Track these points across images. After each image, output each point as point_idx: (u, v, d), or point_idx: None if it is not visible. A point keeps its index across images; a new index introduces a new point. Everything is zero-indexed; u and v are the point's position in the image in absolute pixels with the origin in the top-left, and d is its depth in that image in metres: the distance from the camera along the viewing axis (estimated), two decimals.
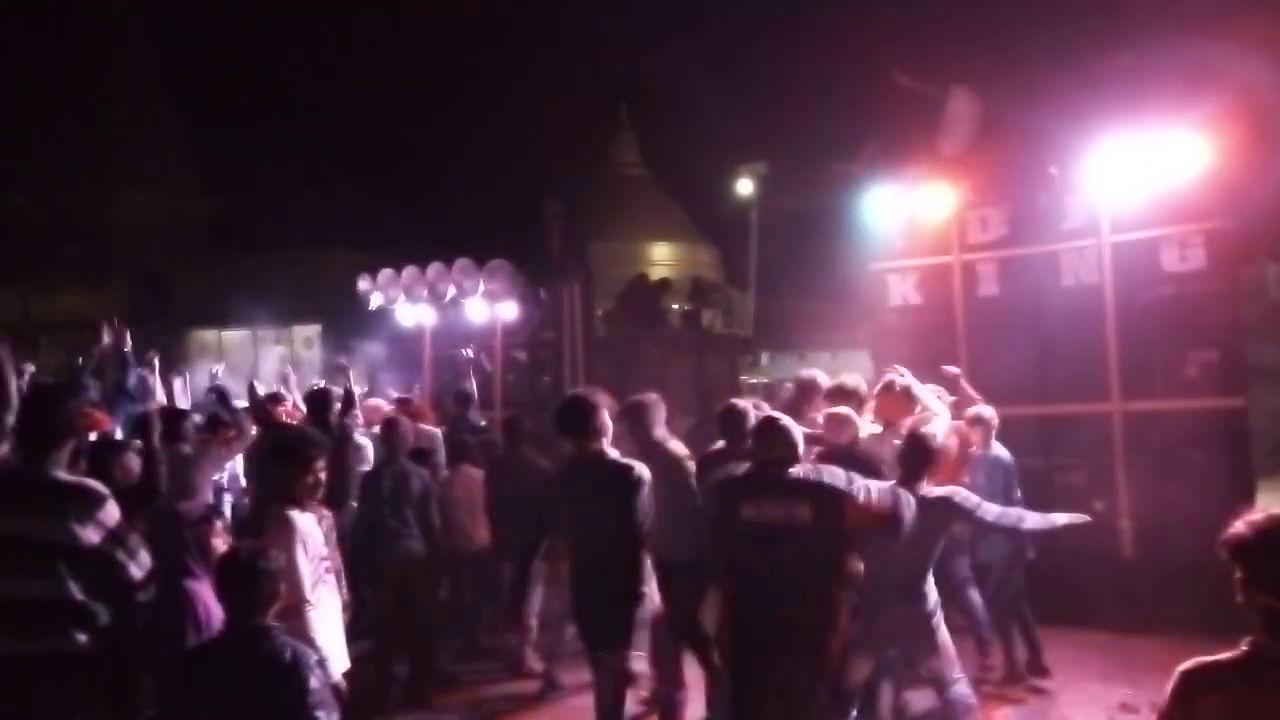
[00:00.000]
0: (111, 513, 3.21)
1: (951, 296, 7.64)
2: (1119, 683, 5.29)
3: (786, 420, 3.83)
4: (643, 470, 3.82)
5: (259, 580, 2.73)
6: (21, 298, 17.49)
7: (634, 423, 4.73)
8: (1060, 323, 7.04)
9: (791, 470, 3.63)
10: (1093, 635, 5.92)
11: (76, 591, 3.10)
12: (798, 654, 3.54)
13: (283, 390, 7.40)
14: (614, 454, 3.97)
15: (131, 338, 6.91)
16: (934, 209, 7.60)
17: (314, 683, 2.69)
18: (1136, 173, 6.62)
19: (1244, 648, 2.07)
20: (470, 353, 8.93)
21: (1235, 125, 6.39)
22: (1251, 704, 2.02)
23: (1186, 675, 2.11)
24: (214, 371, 7.77)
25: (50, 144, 18.50)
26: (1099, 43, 7.43)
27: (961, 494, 4.03)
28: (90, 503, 3.18)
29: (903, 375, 5.07)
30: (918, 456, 3.99)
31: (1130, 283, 6.84)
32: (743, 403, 4.76)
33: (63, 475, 3.23)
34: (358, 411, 6.68)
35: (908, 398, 4.86)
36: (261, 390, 6.72)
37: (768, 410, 4.55)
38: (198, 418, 6.25)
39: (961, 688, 3.98)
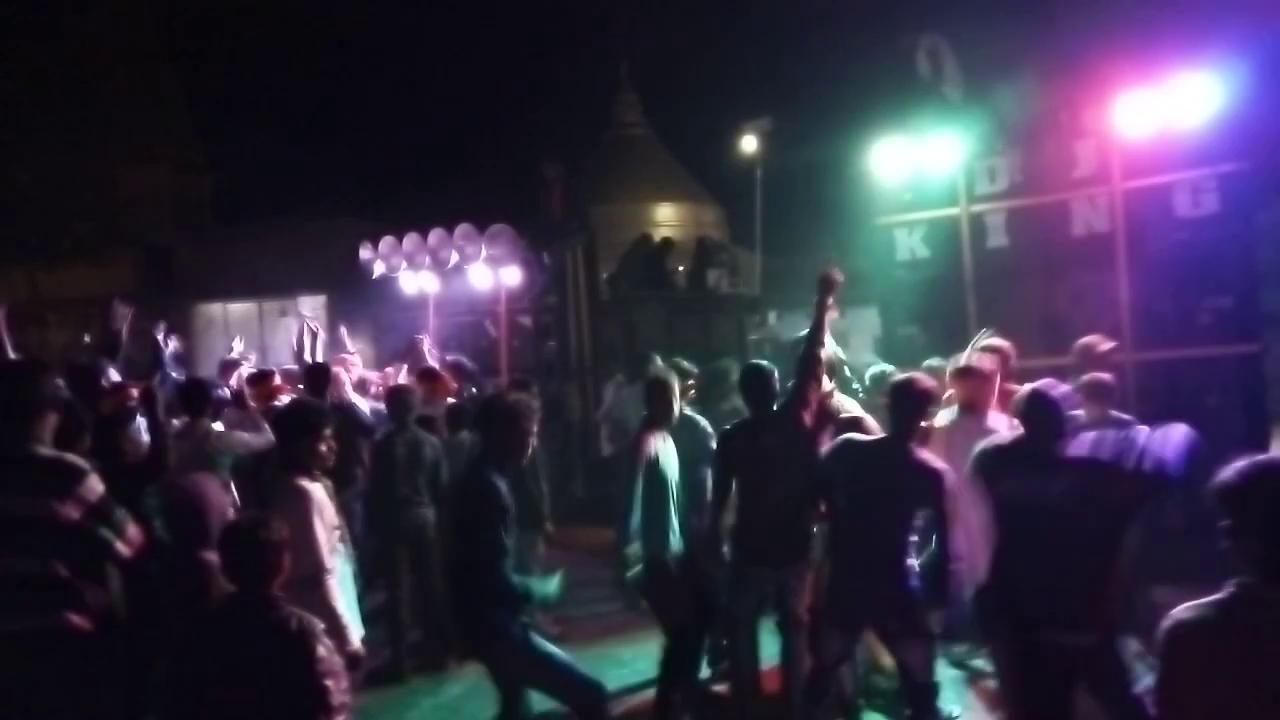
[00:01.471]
0: (92, 488, 3.15)
1: (960, 249, 7.55)
2: (1131, 632, 5.26)
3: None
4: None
5: (260, 551, 2.71)
6: (29, 276, 17.50)
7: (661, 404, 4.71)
8: (1071, 273, 6.95)
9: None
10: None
11: (62, 569, 3.07)
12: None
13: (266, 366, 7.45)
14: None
15: (137, 313, 6.92)
16: (940, 160, 7.49)
17: (321, 651, 2.68)
18: (1148, 117, 6.49)
19: (1230, 589, 2.09)
20: (425, 337, 8.48)
21: (1248, 66, 6.23)
22: (1235, 643, 2.04)
23: (1174, 621, 2.14)
24: (235, 352, 7.78)
25: (54, 122, 18.44)
26: None
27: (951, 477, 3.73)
28: (67, 478, 3.12)
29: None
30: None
31: (1142, 230, 6.74)
32: (768, 365, 4.53)
33: (41, 450, 3.19)
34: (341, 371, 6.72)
35: (986, 379, 4.66)
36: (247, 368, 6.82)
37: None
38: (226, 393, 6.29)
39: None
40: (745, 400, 4.51)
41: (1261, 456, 2.14)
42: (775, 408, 4.39)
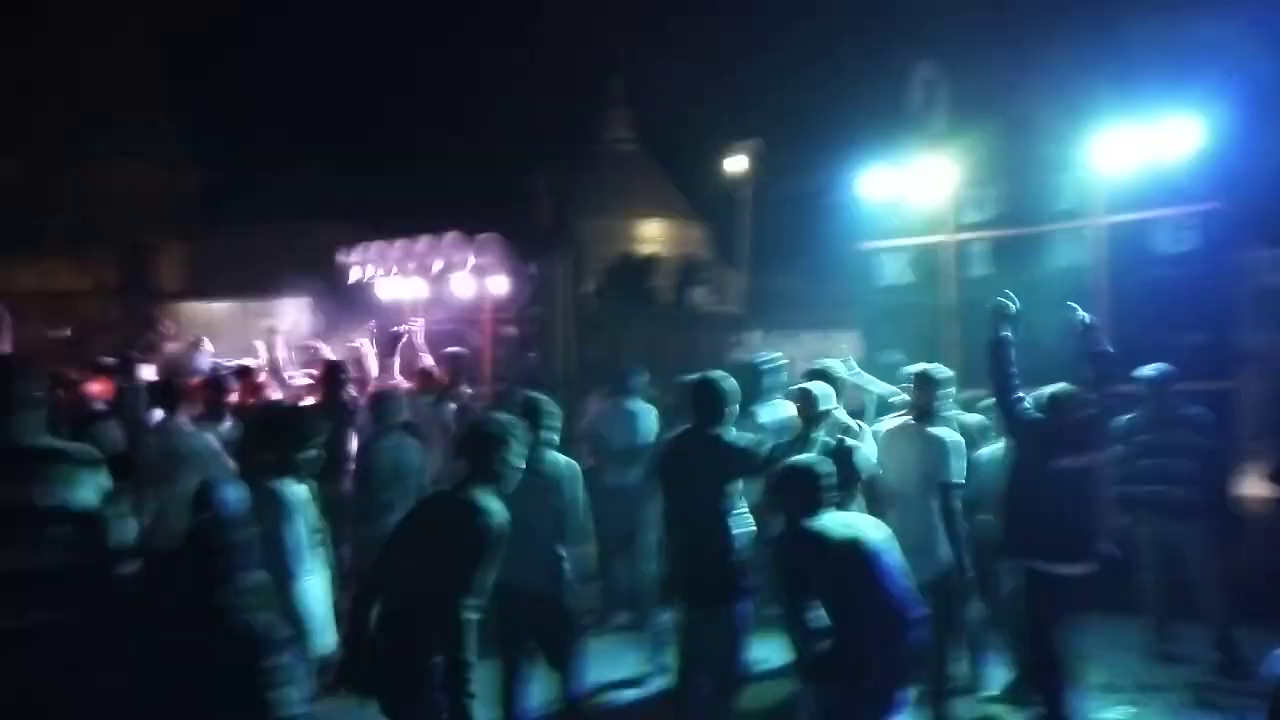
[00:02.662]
0: (101, 480, 3.15)
1: (943, 276, 7.62)
2: (1100, 663, 5.30)
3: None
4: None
5: (219, 554, 2.67)
6: (7, 267, 17.33)
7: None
8: (1052, 304, 7.02)
9: None
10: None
11: (63, 560, 3.04)
12: None
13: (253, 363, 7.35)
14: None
15: (118, 310, 6.88)
16: (927, 188, 7.57)
17: (277, 660, 2.65)
18: (1131, 154, 6.59)
19: None
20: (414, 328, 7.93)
21: (1230, 107, 6.35)
22: None
23: None
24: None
25: (39, 114, 18.28)
26: (1095, 21, 7.37)
27: None
28: (81, 467, 3.11)
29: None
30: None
31: (1122, 265, 6.83)
32: (719, 378, 4.22)
33: (50, 440, 3.17)
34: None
35: (939, 388, 4.67)
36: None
37: None
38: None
39: None
40: (689, 412, 4.26)
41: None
42: (718, 425, 4.10)
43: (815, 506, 3.49)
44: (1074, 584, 4.12)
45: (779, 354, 5.77)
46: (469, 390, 7.31)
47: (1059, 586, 4.10)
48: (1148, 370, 5.48)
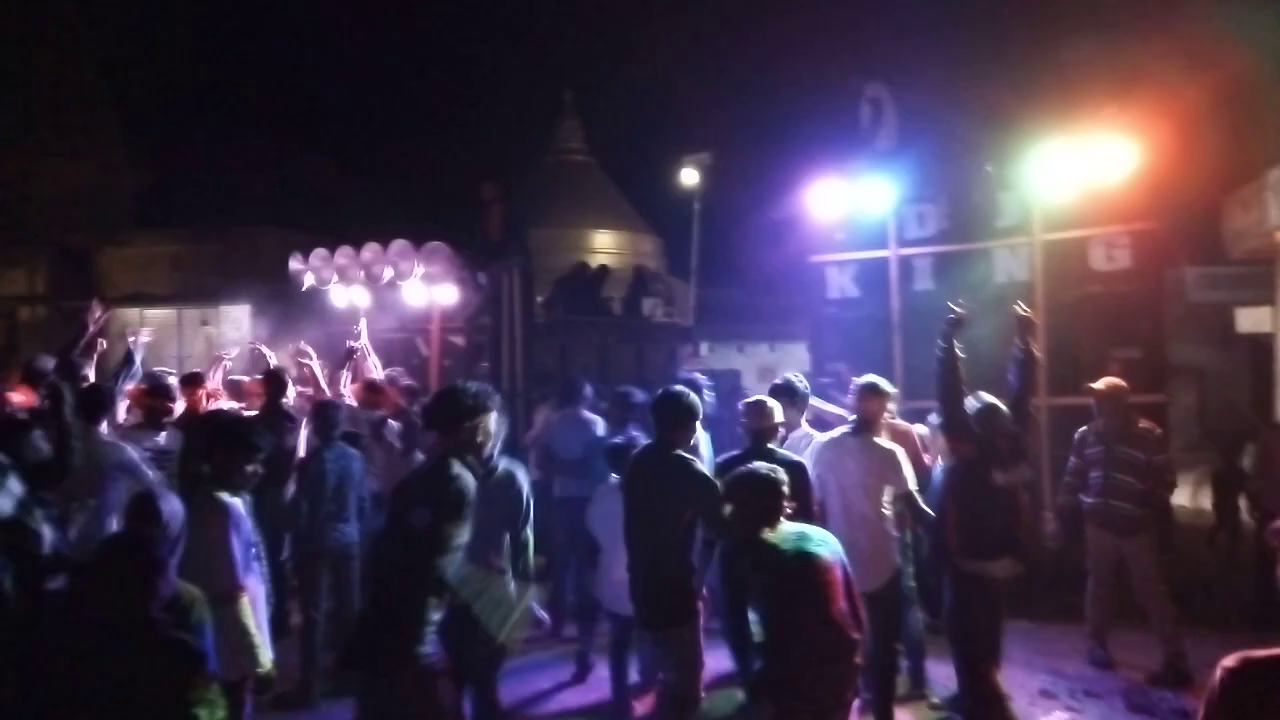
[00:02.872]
0: (12, 486, 3.07)
1: (888, 290, 7.76)
2: (1039, 670, 5.42)
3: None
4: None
5: (141, 567, 2.60)
6: None
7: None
8: (991, 318, 7.19)
9: None
10: (1014, 622, 6.04)
11: None
12: None
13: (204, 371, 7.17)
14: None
15: (52, 315, 6.65)
16: (873, 203, 7.70)
17: (197, 679, 2.59)
18: (1068, 173, 6.79)
19: None
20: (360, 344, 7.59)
21: (1162, 131, 6.60)
22: None
23: (1237, 674, 1.77)
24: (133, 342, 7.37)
25: None
26: (1033, 44, 7.60)
27: None
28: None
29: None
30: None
31: (1059, 281, 7.03)
32: (682, 390, 4.17)
33: None
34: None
35: (885, 400, 4.78)
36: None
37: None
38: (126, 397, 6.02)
39: None
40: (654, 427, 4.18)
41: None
42: (682, 443, 4.00)
43: (769, 518, 3.48)
44: (1004, 584, 4.20)
45: (703, 376, 5.75)
46: (419, 410, 7.20)
47: (990, 587, 4.17)
48: (1098, 384, 5.63)
